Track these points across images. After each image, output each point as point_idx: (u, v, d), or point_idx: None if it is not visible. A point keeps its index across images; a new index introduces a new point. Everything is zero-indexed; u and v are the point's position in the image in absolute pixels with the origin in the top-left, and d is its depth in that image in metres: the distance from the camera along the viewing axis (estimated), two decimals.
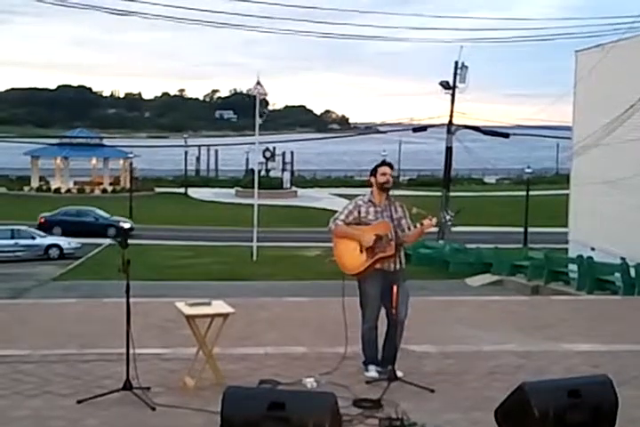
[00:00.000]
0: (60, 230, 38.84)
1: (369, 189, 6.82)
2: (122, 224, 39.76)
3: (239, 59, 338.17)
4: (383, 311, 6.65)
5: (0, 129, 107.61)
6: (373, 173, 6.72)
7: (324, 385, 6.19)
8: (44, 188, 60.13)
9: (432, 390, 6.11)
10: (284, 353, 7.38)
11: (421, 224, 6.51)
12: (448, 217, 6.53)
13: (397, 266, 6.41)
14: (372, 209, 6.63)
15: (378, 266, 6.53)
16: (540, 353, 7.59)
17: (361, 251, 6.51)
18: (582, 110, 26.70)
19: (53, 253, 33.33)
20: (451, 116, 37.97)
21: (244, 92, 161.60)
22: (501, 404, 5.15)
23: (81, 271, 28.59)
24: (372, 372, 6.57)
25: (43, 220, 40.16)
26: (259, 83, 33.43)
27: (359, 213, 6.63)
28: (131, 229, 39.72)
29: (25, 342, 8.02)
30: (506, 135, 41.44)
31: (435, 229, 6.76)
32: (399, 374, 6.29)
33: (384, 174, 6.64)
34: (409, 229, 6.63)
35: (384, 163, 6.83)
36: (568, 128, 29.98)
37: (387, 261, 6.51)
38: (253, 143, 38.80)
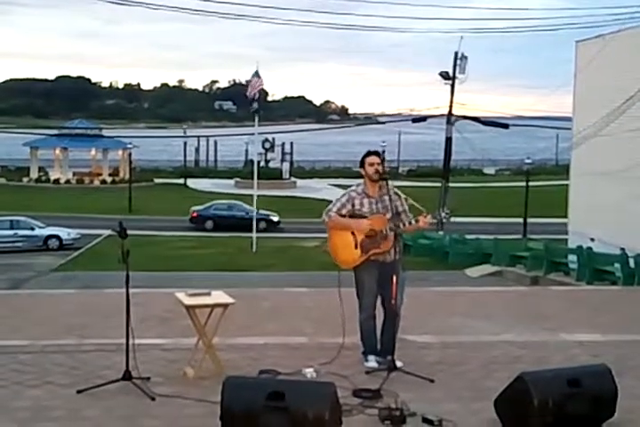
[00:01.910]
0: (212, 224, 39.65)
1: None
2: (272, 218, 40.62)
3: (238, 49, 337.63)
4: (379, 301, 6.64)
5: None
6: (362, 164, 6.60)
7: (323, 375, 6.20)
8: (44, 179, 60.07)
9: (432, 381, 6.12)
10: (283, 343, 7.39)
11: (417, 221, 6.43)
12: (443, 214, 6.46)
13: (397, 256, 6.37)
14: (366, 200, 6.54)
15: (372, 258, 6.49)
16: (540, 343, 7.59)
17: (355, 246, 6.45)
18: (582, 101, 26.63)
19: (52, 243, 33.31)
20: (450, 106, 37.89)
21: (244, 82, 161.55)
22: (501, 394, 5.16)
23: (80, 262, 28.56)
24: (372, 362, 6.57)
25: (195, 214, 40.55)
26: (257, 74, 33.24)
27: (353, 205, 6.54)
28: (278, 222, 40.50)
29: (24, 332, 8.02)
30: (505, 126, 41.34)
31: (434, 220, 6.64)
32: (399, 364, 6.28)
33: (372, 164, 6.52)
34: (406, 214, 6.53)
35: (370, 152, 6.67)
36: (568, 119, 29.89)
37: (382, 254, 6.48)
38: (253, 134, 38.71)
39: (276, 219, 41.08)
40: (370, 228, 6.40)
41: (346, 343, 6.77)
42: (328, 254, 6.69)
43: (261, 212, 41.06)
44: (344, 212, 6.53)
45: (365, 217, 6.48)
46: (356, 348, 6.76)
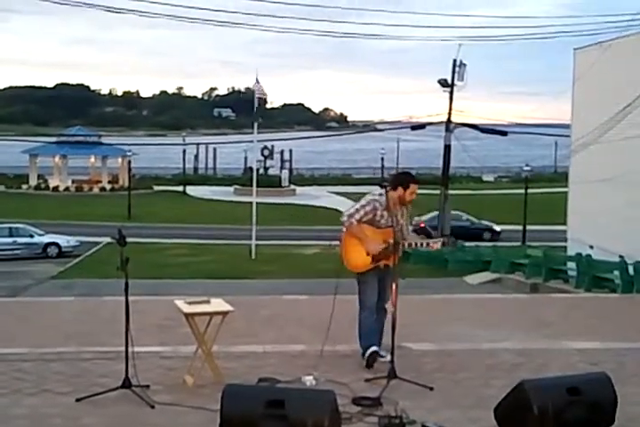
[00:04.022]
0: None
1: (377, 190, 6.88)
2: (494, 228, 41.70)
3: (238, 57, 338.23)
4: None
5: None
6: (404, 185, 6.80)
7: (323, 383, 6.19)
8: (43, 186, 60.09)
9: (431, 388, 6.11)
10: (282, 351, 7.38)
11: (427, 244, 6.91)
12: (448, 240, 6.78)
13: (396, 262, 6.52)
14: (385, 213, 6.81)
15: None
16: (539, 351, 7.59)
17: (367, 253, 6.73)
18: (581, 108, 26.66)
19: (52, 251, 33.30)
20: (449, 114, 37.93)
21: (243, 90, 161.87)
22: (500, 401, 5.15)
23: (79, 270, 28.55)
24: (373, 348, 6.67)
25: (423, 224, 39.05)
26: (257, 81, 33.39)
27: (374, 215, 6.79)
28: (500, 232, 41.28)
29: (24, 340, 8.02)
30: (504, 133, 41.41)
31: (442, 246, 7.08)
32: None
33: (413, 193, 6.83)
34: (407, 228, 6.96)
35: (416, 180, 6.93)
36: (566, 126, 29.94)
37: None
38: (252, 141, 38.75)
39: (498, 229, 41.66)
40: (381, 250, 6.68)
41: (344, 350, 6.77)
42: (337, 252, 6.83)
43: (484, 222, 42.28)
44: (365, 220, 6.79)
45: (381, 227, 6.75)
46: (354, 355, 6.76)
